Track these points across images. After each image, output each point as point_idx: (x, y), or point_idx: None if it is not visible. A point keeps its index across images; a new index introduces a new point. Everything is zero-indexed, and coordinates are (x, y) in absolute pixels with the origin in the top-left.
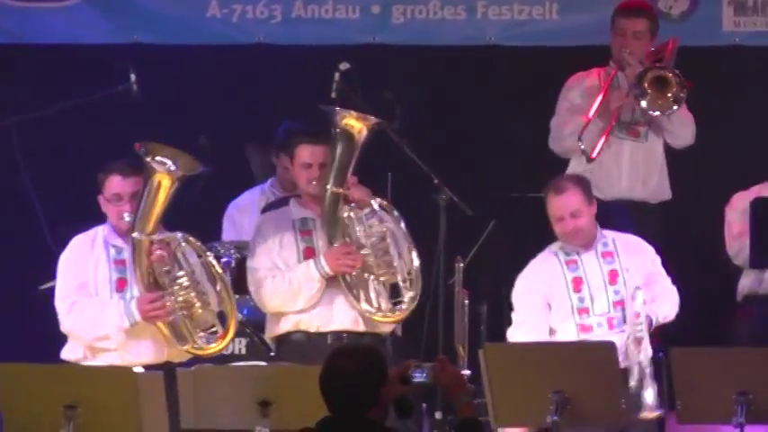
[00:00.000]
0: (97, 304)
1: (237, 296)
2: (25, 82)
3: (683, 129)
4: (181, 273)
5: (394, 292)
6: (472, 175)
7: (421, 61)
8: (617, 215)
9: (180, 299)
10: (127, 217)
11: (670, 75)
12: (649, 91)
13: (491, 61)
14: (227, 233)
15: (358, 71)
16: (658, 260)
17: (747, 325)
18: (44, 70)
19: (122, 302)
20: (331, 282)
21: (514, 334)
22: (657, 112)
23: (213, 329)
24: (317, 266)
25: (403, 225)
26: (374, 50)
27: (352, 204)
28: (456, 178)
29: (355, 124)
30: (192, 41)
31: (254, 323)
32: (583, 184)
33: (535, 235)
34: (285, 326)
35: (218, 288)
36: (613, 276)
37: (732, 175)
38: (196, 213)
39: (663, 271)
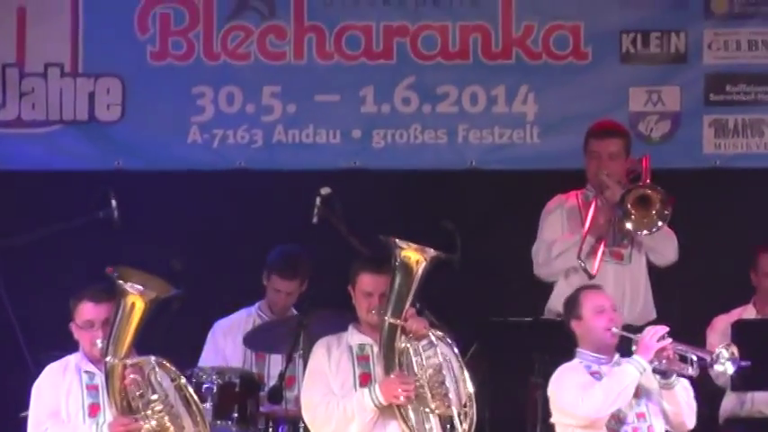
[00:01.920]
0: (69, 430)
1: (220, 422)
2: (5, 207)
3: (667, 246)
4: (154, 396)
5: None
6: (454, 297)
7: (402, 185)
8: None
9: (153, 423)
10: (99, 343)
11: (652, 192)
12: (633, 211)
13: (471, 184)
14: (208, 352)
15: (339, 196)
16: None
17: None
18: (24, 196)
19: (95, 427)
20: (386, 410)
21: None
22: (645, 232)
23: None
24: (372, 395)
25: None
26: (355, 175)
27: (410, 335)
28: (438, 300)
29: (413, 255)
30: (174, 167)
31: None
32: None
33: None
34: None
35: (191, 413)
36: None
37: (712, 296)
38: (173, 337)
39: None
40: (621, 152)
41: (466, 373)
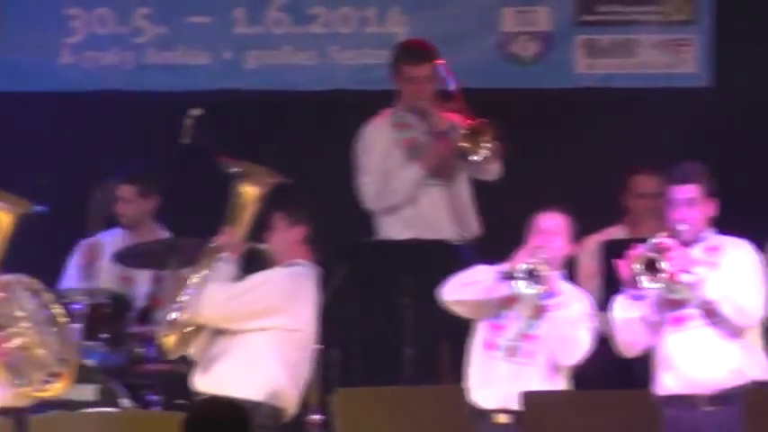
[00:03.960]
0: None
1: (89, 342)
2: None
3: (492, 162)
4: (20, 314)
5: None
6: (325, 219)
7: (273, 106)
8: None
9: (19, 341)
10: None
11: (479, 124)
12: (468, 146)
13: (343, 104)
14: (71, 271)
15: (211, 117)
16: None
17: (596, 366)
18: None
19: None
20: None
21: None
22: (480, 157)
23: (54, 372)
24: None
25: None
26: (227, 96)
27: None
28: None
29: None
30: (46, 89)
31: (105, 370)
32: None
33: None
34: None
35: (58, 331)
36: None
37: (584, 216)
38: (39, 256)
39: None
40: (434, 74)
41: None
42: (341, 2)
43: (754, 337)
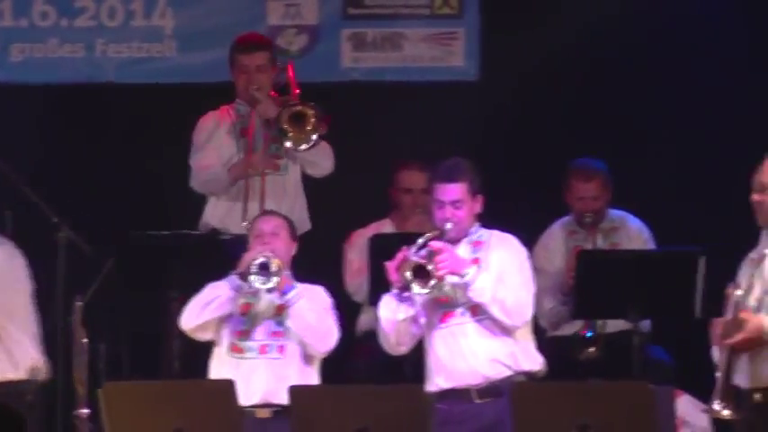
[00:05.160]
0: None
1: None
2: None
3: (324, 158)
4: None
5: None
6: (96, 212)
7: (41, 99)
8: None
9: None
10: None
11: (304, 108)
12: (290, 129)
13: (110, 99)
14: None
15: None
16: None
17: (366, 361)
18: None
19: None
20: None
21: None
22: (303, 146)
23: None
24: None
25: None
26: None
27: None
28: (79, 215)
29: None
30: None
31: None
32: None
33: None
34: None
35: None
36: None
37: (351, 211)
38: None
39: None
40: (268, 64)
41: None
42: None
43: (524, 330)
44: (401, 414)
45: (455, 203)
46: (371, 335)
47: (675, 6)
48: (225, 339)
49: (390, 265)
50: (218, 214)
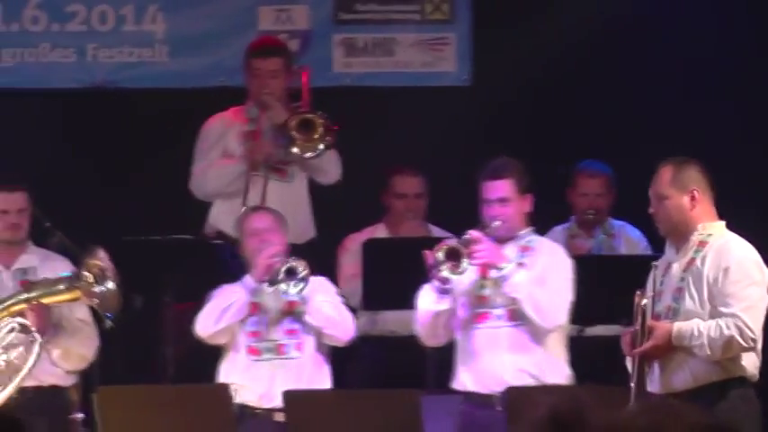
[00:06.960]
0: None
1: None
2: None
3: (332, 166)
4: None
5: None
6: (88, 217)
7: (32, 104)
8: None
9: None
10: None
11: (314, 116)
12: (298, 136)
13: (102, 104)
14: None
15: None
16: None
17: (361, 366)
18: None
19: None
20: None
21: None
22: (309, 154)
23: None
24: None
25: None
26: None
27: None
28: (71, 220)
29: None
30: None
31: None
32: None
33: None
34: None
35: None
36: None
37: (346, 216)
38: None
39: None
40: (282, 70)
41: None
42: (99, 0)
43: (557, 344)
44: (392, 419)
45: (502, 201)
46: (366, 339)
47: (668, 8)
48: (240, 342)
49: (428, 252)
50: (223, 218)
